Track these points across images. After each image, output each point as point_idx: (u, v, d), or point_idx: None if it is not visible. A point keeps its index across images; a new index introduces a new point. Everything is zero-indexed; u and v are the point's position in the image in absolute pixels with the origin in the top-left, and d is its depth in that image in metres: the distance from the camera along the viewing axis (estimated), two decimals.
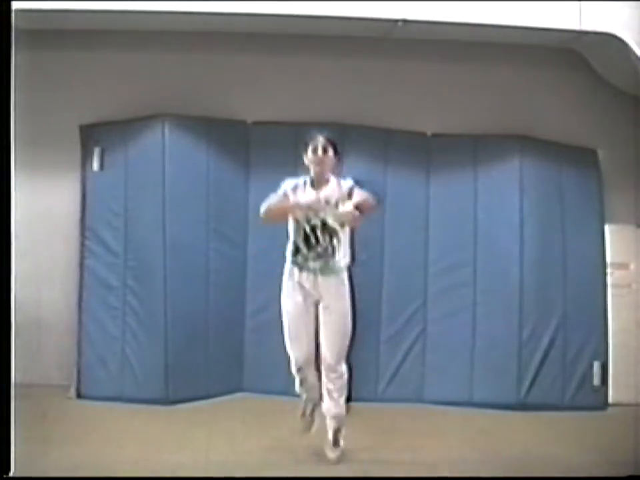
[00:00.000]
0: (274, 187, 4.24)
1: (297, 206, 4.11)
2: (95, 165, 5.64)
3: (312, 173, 4.19)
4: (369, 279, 5.70)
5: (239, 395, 5.61)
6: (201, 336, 5.57)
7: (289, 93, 5.87)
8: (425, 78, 5.97)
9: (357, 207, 4.01)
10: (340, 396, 4.28)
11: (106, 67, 5.75)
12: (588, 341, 5.70)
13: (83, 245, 5.62)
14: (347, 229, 4.19)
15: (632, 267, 5.87)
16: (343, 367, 4.26)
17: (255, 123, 5.85)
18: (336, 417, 4.29)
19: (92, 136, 5.67)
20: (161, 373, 5.43)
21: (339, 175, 4.27)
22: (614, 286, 5.81)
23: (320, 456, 4.33)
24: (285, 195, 4.18)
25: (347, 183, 4.17)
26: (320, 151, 4.13)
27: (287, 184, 4.21)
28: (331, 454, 4.29)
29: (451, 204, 5.78)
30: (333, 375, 4.23)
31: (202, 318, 5.59)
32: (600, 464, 4.34)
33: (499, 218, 5.71)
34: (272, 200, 4.16)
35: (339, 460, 4.27)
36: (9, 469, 3.21)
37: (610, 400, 5.69)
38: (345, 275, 4.23)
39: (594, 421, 5.34)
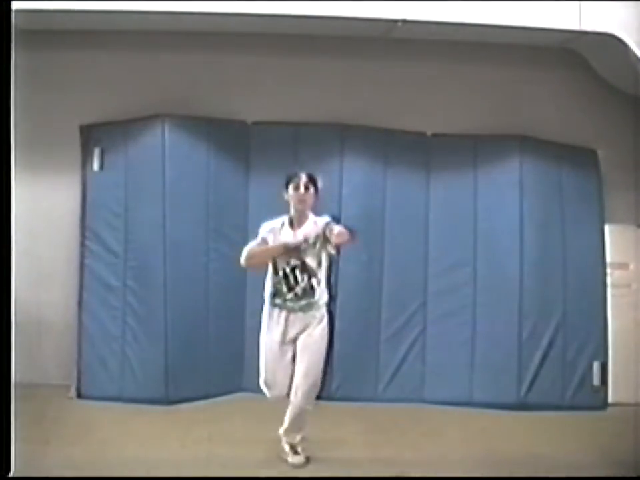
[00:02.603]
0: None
1: (286, 247, 4.10)
2: (95, 165, 5.64)
3: (292, 210, 4.19)
4: (369, 278, 5.71)
5: (238, 394, 5.61)
6: (201, 336, 5.58)
7: (289, 93, 5.88)
8: (425, 78, 5.97)
9: (325, 238, 4.03)
10: (300, 428, 4.27)
11: (106, 67, 5.75)
12: (588, 341, 5.70)
13: (83, 245, 5.63)
14: (324, 268, 4.18)
15: (631, 266, 5.87)
16: (309, 406, 4.21)
17: (255, 123, 5.86)
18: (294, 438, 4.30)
19: (92, 136, 5.67)
20: (161, 372, 5.43)
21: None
22: (614, 286, 5.81)
23: (320, 456, 4.33)
24: (264, 240, 4.18)
25: (323, 219, 4.13)
26: (302, 189, 4.13)
27: (264, 227, 4.21)
28: (292, 459, 4.27)
29: (451, 204, 5.78)
30: (297, 412, 4.20)
31: (202, 318, 5.59)
32: (600, 464, 4.35)
33: (499, 218, 5.71)
34: (251, 247, 4.18)
35: (302, 465, 4.24)
36: (9, 469, 3.21)
37: (610, 400, 5.70)
38: (325, 311, 4.21)
39: (594, 420, 5.35)
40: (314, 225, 4.14)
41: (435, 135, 5.91)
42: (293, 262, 4.12)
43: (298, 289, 4.12)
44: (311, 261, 4.12)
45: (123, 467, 4.07)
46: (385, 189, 5.77)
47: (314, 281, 4.13)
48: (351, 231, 4.04)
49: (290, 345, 4.18)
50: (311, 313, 4.14)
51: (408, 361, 5.72)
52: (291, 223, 4.20)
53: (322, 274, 4.17)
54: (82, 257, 5.62)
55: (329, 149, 5.74)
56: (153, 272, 5.51)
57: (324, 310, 4.20)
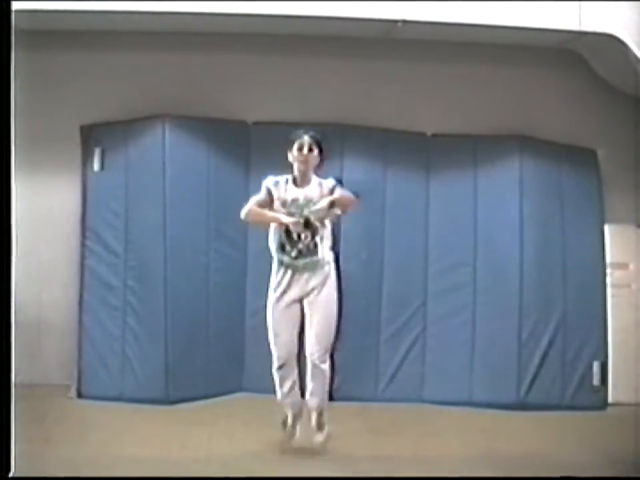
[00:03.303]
0: None
1: (283, 223, 4.14)
2: (96, 165, 5.65)
3: (295, 170, 4.24)
4: (369, 278, 5.72)
5: (239, 394, 5.62)
6: (201, 336, 5.58)
7: (289, 93, 5.88)
8: (425, 78, 5.97)
9: (333, 204, 4.07)
10: (323, 392, 4.33)
11: (106, 67, 5.75)
12: (587, 341, 5.70)
13: (83, 245, 5.63)
14: (329, 225, 4.24)
15: (631, 267, 5.87)
16: (327, 364, 4.30)
17: (255, 123, 5.86)
18: (318, 407, 4.36)
19: (92, 136, 5.67)
20: (161, 372, 5.43)
21: (321, 174, 4.32)
22: (613, 286, 5.81)
23: (320, 456, 4.33)
24: (268, 192, 4.24)
25: (329, 182, 4.22)
26: (305, 149, 4.19)
27: (269, 180, 4.27)
28: (318, 437, 4.34)
29: (450, 204, 5.78)
30: (316, 371, 4.26)
31: (202, 318, 5.60)
32: (599, 464, 4.35)
33: (499, 218, 5.72)
34: (254, 206, 4.24)
35: (326, 443, 4.32)
36: (9, 469, 3.21)
37: (609, 400, 5.69)
38: (331, 268, 4.26)
39: (593, 420, 5.35)
40: (318, 186, 4.19)
41: (434, 135, 5.91)
42: (296, 218, 4.14)
43: (301, 246, 4.15)
44: (314, 219, 4.14)
45: (123, 466, 4.07)
46: (384, 189, 5.77)
47: (317, 238, 4.16)
48: (356, 195, 4.10)
49: (297, 304, 4.21)
50: (315, 271, 4.17)
51: (408, 360, 5.72)
52: (295, 182, 4.24)
53: (325, 232, 4.19)
54: (82, 257, 5.62)
55: (329, 148, 5.72)
56: (154, 272, 5.51)
57: (328, 269, 4.22)
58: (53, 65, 5.68)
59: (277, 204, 4.23)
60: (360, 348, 5.67)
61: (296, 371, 4.34)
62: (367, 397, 5.61)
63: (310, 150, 4.19)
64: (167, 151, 5.54)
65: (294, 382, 4.33)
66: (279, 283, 4.23)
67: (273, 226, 4.24)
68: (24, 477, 3.53)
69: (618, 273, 5.84)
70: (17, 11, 3.33)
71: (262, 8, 4.80)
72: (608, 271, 5.82)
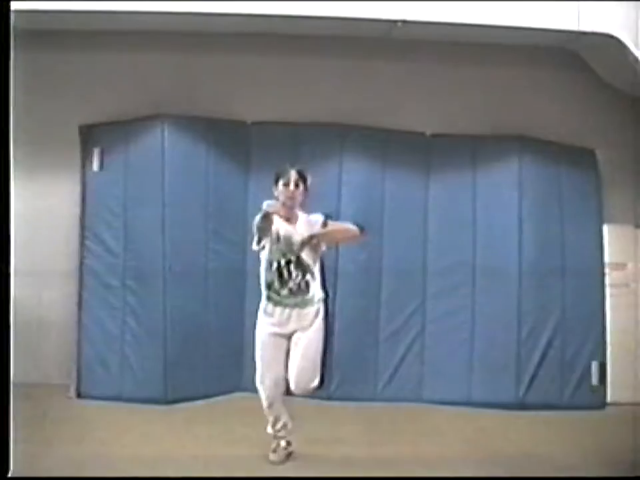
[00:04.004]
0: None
1: (275, 236, 4.04)
2: (95, 165, 5.65)
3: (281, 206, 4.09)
4: (368, 278, 5.72)
5: (237, 394, 5.61)
6: (200, 336, 5.58)
7: (289, 93, 5.88)
8: (425, 78, 5.98)
9: (312, 237, 4.01)
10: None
11: (106, 67, 5.76)
12: (586, 341, 5.71)
13: (82, 244, 5.63)
14: (318, 265, 4.15)
15: (630, 266, 5.88)
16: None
17: (255, 123, 5.86)
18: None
19: (92, 136, 5.67)
20: (160, 372, 5.44)
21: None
22: (612, 286, 5.82)
23: (320, 455, 4.34)
24: (267, 215, 4.00)
25: (317, 217, 4.09)
26: (292, 185, 4.07)
27: (266, 205, 3.99)
28: (272, 456, 4.25)
29: (450, 204, 5.79)
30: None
31: (201, 318, 5.60)
32: (598, 463, 4.35)
33: (498, 218, 5.72)
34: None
35: (281, 462, 4.23)
36: (8, 469, 3.21)
37: (608, 399, 5.71)
38: (321, 307, 4.15)
39: (592, 420, 5.35)
40: (306, 224, 4.08)
41: (434, 135, 5.92)
42: (289, 256, 4.07)
43: (292, 285, 4.08)
44: (306, 257, 4.09)
45: (123, 466, 4.07)
46: (384, 189, 5.77)
47: (308, 276, 4.10)
48: (359, 226, 4.08)
49: (285, 341, 4.13)
50: (305, 309, 4.10)
51: (407, 360, 5.73)
52: (284, 218, 4.09)
53: (316, 270, 4.14)
54: (81, 256, 5.63)
55: (328, 149, 5.74)
56: (153, 272, 5.51)
57: (319, 307, 4.15)
58: (53, 64, 5.69)
59: (272, 236, 4.10)
60: (359, 348, 5.68)
61: (283, 409, 4.24)
62: (366, 397, 5.61)
63: (296, 186, 4.08)
64: (166, 151, 5.54)
65: (286, 421, 4.25)
66: (266, 321, 4.14)
67: (263, 263, 4.14)
68: (23, 476, 3.53)
69: (616, 272, 5.85)
70: (17, 11, 3.34)
71: (262, 8, 4.80)
72: (606, 270, 5.83)
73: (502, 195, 5.76)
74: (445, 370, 5.66)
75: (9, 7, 3.22)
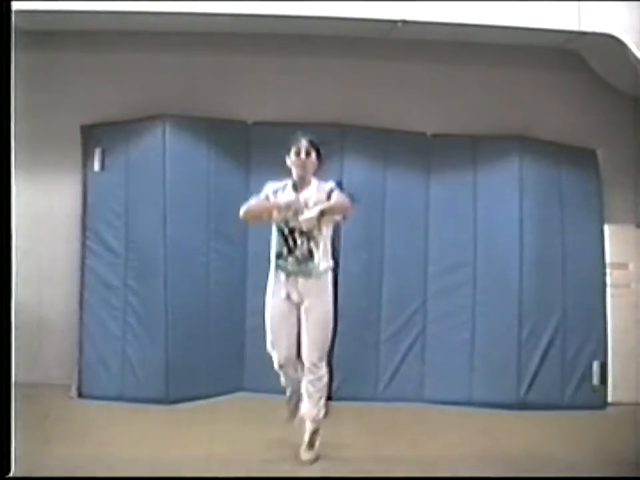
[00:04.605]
0: None
1: (276, 205, 4.14)
2: (96, 165, 5.66)
3: (294, 175, 4.20)
4: (369, 278, 5.72)
5: (239, 394, 5.62)
6: (201, 335, 5.58)
7: (289, 93, 5.89)
8: (425, 78, 5.98)
9: (324, 212, 4.02)
10: (319, 398, 4.27)
11: (106, 67, 5.76)
12: (587, 341, 5.71)
13: (84, 244, 5.64)
14: (328, 233, 4.19)
15: (631, 266, 5.88)
16: (323, 369, 4.26)
17: (255, 123, 5.87)
18: (314, 420, 4.29)
19: (93, 136, 5.68)
20: (161, 372, 5.44)
21: (321, 177, 4.27)
22: (613, 286, 5.82)
23: (320, 455, 4.33)
24: (266, 198, 4.21)
25: (328, 185, 4.17)
26: (303, 154, 4.15)
27: (269, 187, 4.24)
28: (306, 455, 4.26)
29: (450, 204, 5.79)
30: (312, 377, 4.23)
31: (202, 317, 5.60)
32: (599, 463, 4.35)
33: (499, 218, 5.72)
34: (252, 201, 4.21)
35: (313, 462, 4.24)
36: (9, 469, 3.21)
37: (609, 399, 5.71)
38: (328, 278, 4.23)
39: (593, 420, 5.36)
40: (316, 190, 4.15)
41: (434, 135, 5.92)
42: (292, 224, 4.12)
43: (298, 253, 4.13)
44: (310, 224, 4.10)
45: (123, 466, 4.07)
46: (384, 189, 5.77)
47: (312, 244, 4.13)
48: (352, 199, 4.09)
49: (294, 308, 4.19)
50: (311, 279, 4.14)
51: (408, 360, 5.73)
52: (294, 186, 4.20)
53: (322, 239, 4.16)
54: (83, 256, 5.64)
55: (328, 149, 5.72)
56: (154, 272, 5.51)
57: (327, 277, 4.21)
58: (54, 65, 5.69)
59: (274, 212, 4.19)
60: (360, 348, 5.68)
61: (297, 370, 4.30)
62: (367, 397, 5.61)
63: (307, 154, 4.16)
64: (167, 151, 5.54)
65: (296, 379, 4.31)
66: (276, 287, 4.22)
67: (274, 232, 4.22)
68: (24, 476, 3.53)
69: (617, 272, 5.85)
70: (17, 11, 3.34)
71: (262, 8, 4.80)
72: (607, 270, 5.83)
73: (502, 194, 5.76)
74: (446, 370, 5.66)
75: (10, 7, 3.23)
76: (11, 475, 3.24)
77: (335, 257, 4.32)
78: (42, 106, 5.56)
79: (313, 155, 4.18)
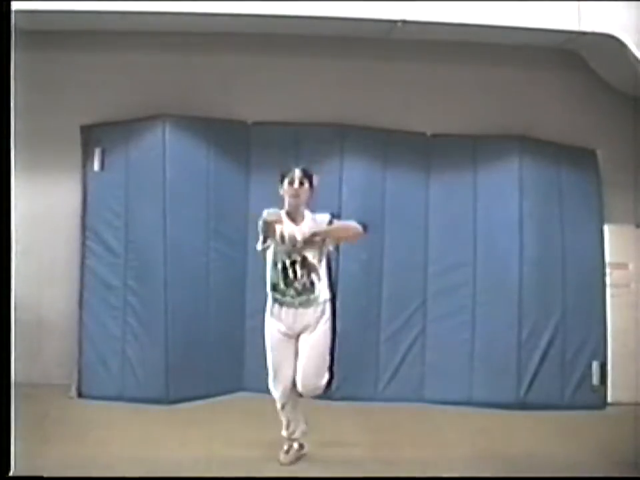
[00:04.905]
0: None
1: (280, 238, 4.04)
2: (96, 165, 5.66)
3: (286, 205, 4.14)
4: (369, 278, 5.72)
5: (239, 394, 5.63)
6: (201, 336, 5.58)
7: (289, 93, 5.89)
8: (425, 78, 5.98)
9: (316, 235, 4.01)
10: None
11: (106, 68, 5.77)
12: (587, 341, 5.71)
13: (83, 244, 5.64)
14: (324, 263, 4.15)
15: (631, 266, 5.88)
16: (322, 388, 4.22)
17: (255, 123, 5.87)
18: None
19: (93, 136, 5.68)
20: (161, 372, 5.44)
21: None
22: (613, 286, 5.82)
23: (320, 456, 4.34)
24: (266, 223, 4.03)
25: (324, 217, 4.12)
26: (296, 183, 4.10)
27: (265, 214, 4.01)
28: (282, 457, 4.26)
29: (450, 204, 5.79)
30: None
31: (202, 318, 5.60)
32: (599, 463, 4.35)
33: (499, 218, 5.72)
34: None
35: (291, 463, 4.24)
36: (9, 469, 3.22)
37: (609, 399, 5.71)
38: (327, 307, 4.18)
39: (593, 420, 5.35)
40: (311, 221, 4.12)
41: (434, 135, 5.92)
42: (294, 256, 4.09)
43: (297, 285, 4.09)
44: (312, 257, 4.09)
45: (123, 466, 4.07)
46: (384, 189, 5.78)
47: (314, 276, 4.11)
48: (363, 225, 4.08)
49: (293, 341, 4.15)
50: (310, 309, 4.11)
51: (407, 360, 5.73)
52: (289, 215, 4.13)
53: (322, 270, 4.15)
54: (82, 256, 5.64)
55: (329, 149, 5.75)
56: (154, 272, 5.51)
57: (325, 307, 4.17)
58: (53, 65, 5.69)
59: (277, 237, 4.11)
60: (360, 348, 5.68)
61: (299, 412, 4.28)
62: (367, 397, 5.61)
63: (301, 184, 4.11)
64: (167, 151, 5.54)
65: (298, 421, 4.28)
66: (275, 321, 4.16)
67: (268, 264, 4.15)
68: (24, 476, 3.53)
69: (617, 272, 5.85)
70: (17, 11, 3.34)
71: (262, 8, 4.80)
72: (607, 270, 5.83)
73: (502, 194, 5.76)
74: (446, 370, 5.66)
75: (10, 7, 3.23)
76: (10, 474, 3.24)
77: (333, 289, 4.27)
78: (42, 106, 5.57)
79: (306, 184, 4.13)
